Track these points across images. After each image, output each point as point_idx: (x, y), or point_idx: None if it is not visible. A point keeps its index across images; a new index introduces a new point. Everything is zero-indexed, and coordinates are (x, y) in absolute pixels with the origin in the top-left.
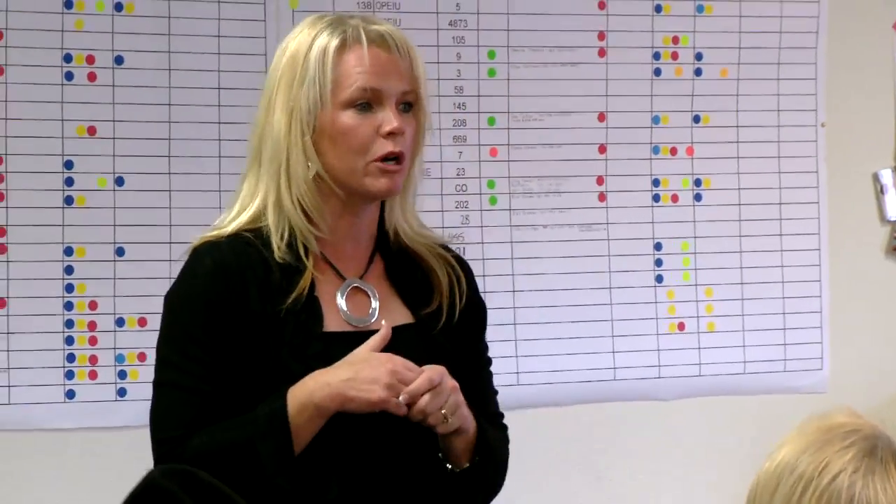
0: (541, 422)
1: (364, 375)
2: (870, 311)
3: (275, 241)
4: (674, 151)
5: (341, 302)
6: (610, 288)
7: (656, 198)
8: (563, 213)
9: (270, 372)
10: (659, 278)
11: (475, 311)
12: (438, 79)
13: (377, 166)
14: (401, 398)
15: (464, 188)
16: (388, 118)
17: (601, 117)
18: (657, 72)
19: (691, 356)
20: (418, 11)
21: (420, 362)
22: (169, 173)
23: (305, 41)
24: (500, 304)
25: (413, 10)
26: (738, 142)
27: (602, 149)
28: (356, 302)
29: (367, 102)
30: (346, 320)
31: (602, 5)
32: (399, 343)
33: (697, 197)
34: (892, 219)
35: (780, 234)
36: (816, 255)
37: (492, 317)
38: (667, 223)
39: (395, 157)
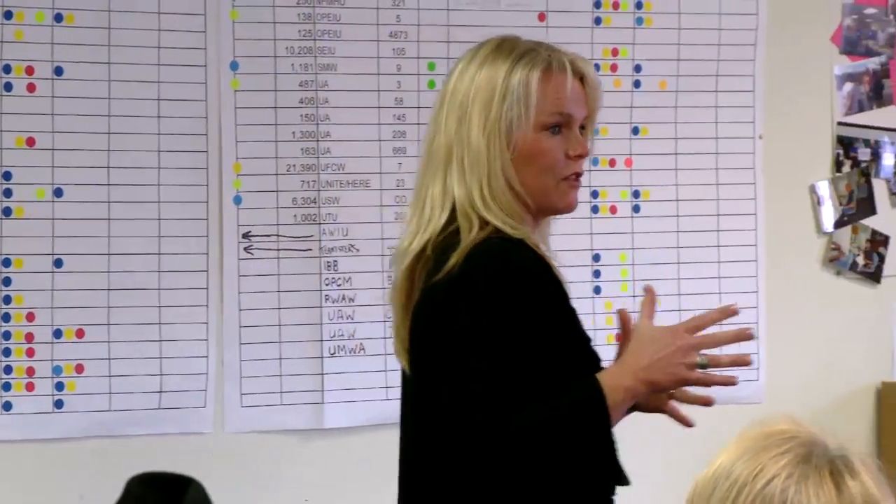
0: None
1: (659, 357)
2: (806, 322)
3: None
4: (612, 163)
5: None
6: None
7: (595, 209)
8: None
9: (577, 358)
10: (597, 289)
11: None
12: (378, 90)
13: (566, 183)
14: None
15: (403, 199)
16: (579, 142)
17: None
18: None
19: None
20: (359, 23)
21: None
22: (108, 184)
23: (504, 64)
24: None
25: (353, 21)
26: (676, 153)
27: None
28: None
29: (558, 125)
30: None
31: (542, 17)
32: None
33: (636, 208)
34: (829, 230)
35: (718, 246)
36: (754, 267)
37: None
38: (605, 234)
39: (578, 176)
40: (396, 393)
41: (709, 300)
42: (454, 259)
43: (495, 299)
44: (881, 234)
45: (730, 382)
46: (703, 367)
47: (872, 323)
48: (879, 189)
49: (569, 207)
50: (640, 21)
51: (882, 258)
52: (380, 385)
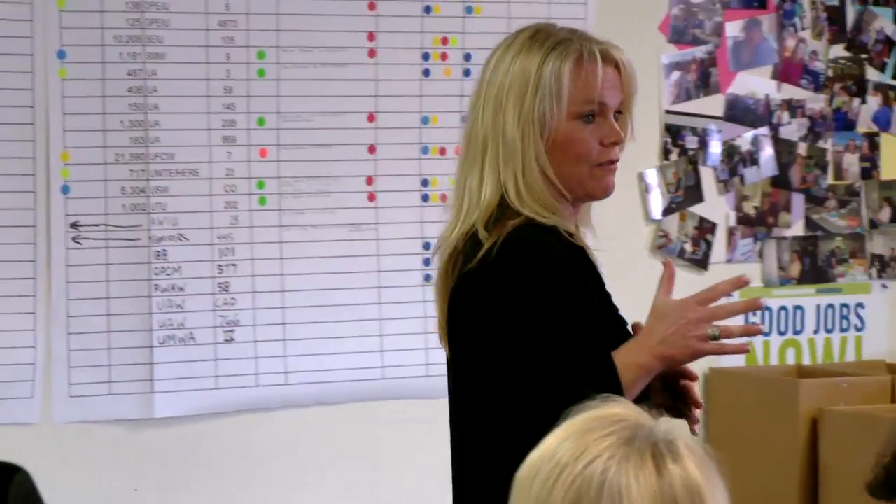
0: (310, 421)
1: (673, 331)
2: (637, 309)
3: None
4: (443, 151)
5: None
6: (379, 287)
7: (425, 197)
8: (333, 213)
9: (604, 339)
10: (428, 277)
11: None
12: (208, 79)
13: (601, 169)
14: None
15: (233, 188)
16: (613, 129)
17: (371, 118)
18: (426, 72)
19: None
20: (187, 12)
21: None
22: None
23: (537, 55)
24: (269, 304)
25: (182, 10)
26: None
27: (371, 149)
28: None
29: (592, 113)
30: None
31: (372, 6)
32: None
33: None
34: (657, 218)
35: None
36: None
37: (261, 316)
38: (436, 223)
39: (613, 162)
40: (227, 382)
41: None
42: (487, 246)
43: (527, 283)
44: (708, 222)
45: (743, 350)
46: (716, 338)
47: None
48: (706, 176)
49: (605, 192)
50: (469, 10)
51: (709, 245)
52: (209, 374)
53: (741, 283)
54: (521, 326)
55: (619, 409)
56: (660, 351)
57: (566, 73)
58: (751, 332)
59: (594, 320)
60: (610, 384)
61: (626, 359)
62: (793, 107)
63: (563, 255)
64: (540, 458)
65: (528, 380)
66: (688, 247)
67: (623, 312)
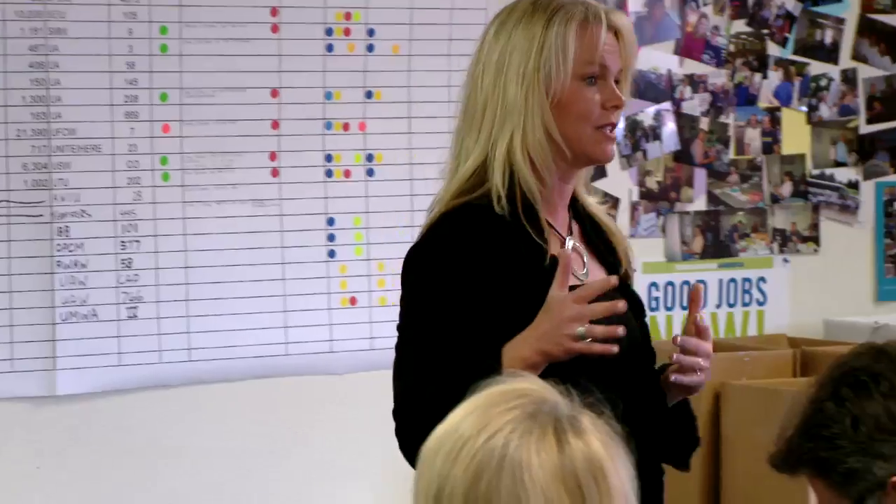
0: (214, 398)
1: (550, 328)
2: None
3: (496, 196)
4: (346, 127)
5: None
6: (283, 263)
7: (329, 173)
8: (236, 188)
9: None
10: (332, 253)
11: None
12: (110, 55)
13: (601, 133)
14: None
15: (136, 164)
16: (614, 92)
17: (274, 93)
18: (329, 48)
19: (363, 330)
20: None
21: (629, 318)
22: None
23: (540, 20)
24: (173, 281)
25: None
26: (409, 117)
27: (275, 124)
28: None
29: (594, 76)
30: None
31: None
32: (609, 298)
33: (370, 172)
34: None
35: None
36: None
37: (164, 293)
38: (340, 198)
39: (613, 127)
40: (130, 359)
41: None
42: (423, 226)
43: (434, 272)
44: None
45: (608, 352)
46: (584, 337)
47: None
48: None
49: (604, 157)
50: None
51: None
52: (113, 351)
53: (610, 284)
54: (423, 312)
55: (526, 385)
56: (539, 346)
57: (572, 32)
58: (610, 333)
59: (502, 309)
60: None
61: (511, 351)
62: (695, 82)
63: (481, 245)
64: (444, 431)
65: (409, 363)
66: None
67: None
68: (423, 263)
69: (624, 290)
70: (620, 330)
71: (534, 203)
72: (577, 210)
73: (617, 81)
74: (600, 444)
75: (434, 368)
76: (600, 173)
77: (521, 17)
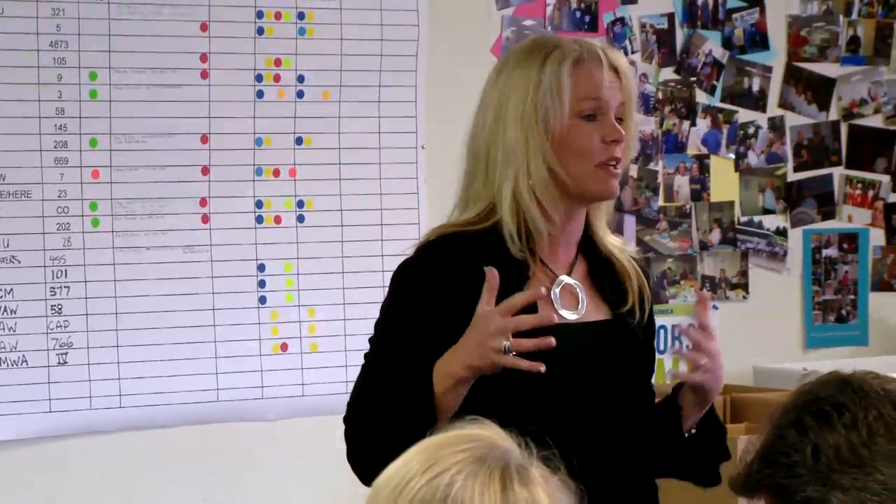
0: (145, 444)
1: (476, 342)
2: None
3: (508, 236)
4: (277, 173)
5: (556, 295)
6: (213, 309)
7: (260, 219)
8: (166, 234)
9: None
10: (262, 299)
11: (651, 316)
12: (39, 100)
13: (603, 170)
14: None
15: (66, 210)
16: (614, 127)
17: (204, 139)
18: (260, 94)
19: (295, 376)
20: (18, 32)
21: (617, 356)
22: None
23: (536, 60)
24: (103, 327)
25: (12, 31)
26: (340, 163)
27: (205, 170)
28: (564, 297)
29: (593, 113)
30: (559, 313)
31: (204, 27)
32: (597, 336)
33: (300, 218)
34: None
35: (382, 255)
36: None
37: (95, 339)
38: (270, 244)
39: (616, 162)
40: (60, 405)
41: (374, 309)
42: (420, 240)
43: (399, 295)
44: None
45: (535, 369)
46: (509, 351)
47: None
48: None
49: (608, 193)
50: (302, 31)
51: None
52: (43, 398)
53: (538, 296)
54: (387, 329)
55: (481, 431)
56: (466, 361)
57: (566, 70)
58: (541, 345)
59: (459, 334)
60: (422, 392)
61: (440, 366)
62: None
63: (457, 273)
64: (395, 467)
65: (363, 374)
66: None
67: None
68: (400, 281)
69: (622, 329)
70: (551, 341)
71: (537, 235)
72: (592, 249)
73: (620, 119)
74: (546, 497)
75: (378, 382)
76: None
77: (519, 58)
